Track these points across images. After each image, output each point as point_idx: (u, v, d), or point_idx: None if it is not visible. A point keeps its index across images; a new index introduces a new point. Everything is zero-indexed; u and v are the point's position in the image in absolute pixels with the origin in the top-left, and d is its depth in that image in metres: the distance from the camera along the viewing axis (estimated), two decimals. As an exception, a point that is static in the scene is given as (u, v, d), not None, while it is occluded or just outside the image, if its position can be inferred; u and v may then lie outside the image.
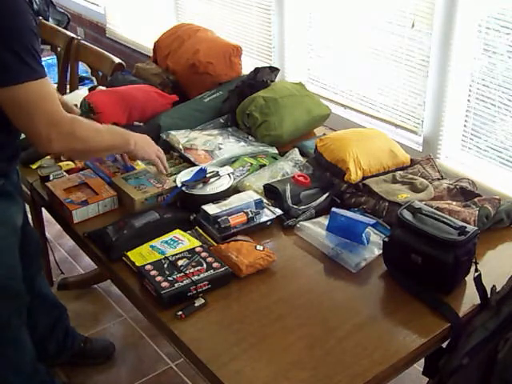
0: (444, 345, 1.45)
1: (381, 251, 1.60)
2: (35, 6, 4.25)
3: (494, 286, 1.46)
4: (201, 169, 1.84)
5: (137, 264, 1.54)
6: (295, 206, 1.77)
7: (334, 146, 1.88)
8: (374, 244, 1.64)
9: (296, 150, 2.05)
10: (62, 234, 1.92)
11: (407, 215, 1.53)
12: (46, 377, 1.95)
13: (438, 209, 1.62)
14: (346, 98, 2.98)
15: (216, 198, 1.75)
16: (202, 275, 1.49)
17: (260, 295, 1.50)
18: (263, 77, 2.30)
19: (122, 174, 1.88)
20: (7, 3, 1.39)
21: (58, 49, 3.08)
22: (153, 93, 2.26)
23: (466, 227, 1.47)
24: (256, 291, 1.51)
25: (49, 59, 3.84)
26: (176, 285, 1.45)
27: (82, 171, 1.91)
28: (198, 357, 1.32)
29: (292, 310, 1.45)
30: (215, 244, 1.63)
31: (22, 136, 1.62)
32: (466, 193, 1.77)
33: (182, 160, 2.00)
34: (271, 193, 1.81)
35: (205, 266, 1.52)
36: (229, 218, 1.66)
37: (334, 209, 1.69)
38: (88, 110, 2.07)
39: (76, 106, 2.13)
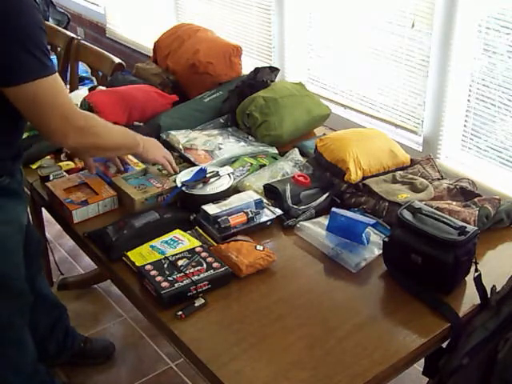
0: (444, 345, 1.45)
1: (381, 251, 1.60)
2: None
3: (494, 285, 1.46)
4: (201, 169, 1.84)
5: (137, 264, 1.54)
6: (295, 206, 1.77)
7: (334, 146, 1.88)
8: (374, 244, 1.64)
9: (296, 150, 2.05)
10: (62, 234, 1.92)
11: (407, 215, 1.53)
12: (46, 377, 1.95)
13: (437, 209, 1.62)
14: (346, 98, 2.98)
15: (216, 197, 1.75)
16: (202, 275, 1.49)
17: (260, 295, 1.50)
18: (263, 77, 2.30)
19: (122, 174, 1.88)
20: (14, 1, 1.39)
21: (58, 49, 3.08)
22: (153, 93, 2.26)
23: (465, 227, 1.47)
24: (256, 291, 1.51)
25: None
26: (176, 285, 1.45)
27: (81, 171, 1.91)
28: (198, 357, 1.32)
29: (292, 310, 1.45)
30: (215, 244, 1.63)
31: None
32: (466, 193, 1.77)
33: (182, 160, 2.00)
34: (271, 193, 1.81)
35: (205, 265, 1.52)
36: (229, 217, 1.66)
37: (333, 209, 1.69)
38: (88, 109, 2.06)
39: (76, 105, 2.13)
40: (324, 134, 2.10)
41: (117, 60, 2.76)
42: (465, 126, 2.50)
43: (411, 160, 1.95)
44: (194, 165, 1.93)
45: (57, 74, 1.48)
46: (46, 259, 2.53)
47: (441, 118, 2.53)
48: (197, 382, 2.23)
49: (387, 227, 1.68)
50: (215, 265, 1.52)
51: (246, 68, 2.48)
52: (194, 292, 1.46)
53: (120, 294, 1.67)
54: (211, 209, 1.69)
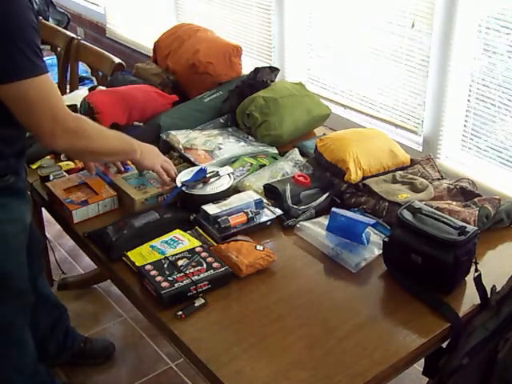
0: (444, 345, 1.45)
1: (381, 251, 1.60)
2: (35, 6, 4.25)
3: (494, 285, 1.46)
4: (201, 169, 1.84)
5: (137, 264, 1.54)
6: (295, 206, 1.77)
7: (334, 146, 1.88)
8: (374, 244, 1.64)
9: (296, 150, 2.05)
10: (62, 233, 1.92)
11: (407, 215, 1.53)
12: (47, 377, 1.95)
13: (438, 209, 1.62)
14: (346, 98, 2.98)
15: (216, 197, 1.75)
16: (202, 275, 1.49)
17: (260, 295, 1.50)
18: (263, 77, 2.30)
19: (122, 174, 1.88)
20: (6, 1, 1.39)
21: (58, 49, 3.08)
22: (153, 93, 2.26)
23: (465, 227, 1.47)
24: (256, 291, 1.51)
25: (49, 59, 3.82)
26: (176, 285, 1.45)
27: (82, 171, 1.91)
28: (198, 357, 1.32)
29: (292, 310, 1.45)
30: (215, 244, 1.63)
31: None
32: (466, 193, 1.76)
33: (182, 160, 2.00)
34: (271, 193, 1.81)
35: (205, 265, 1.52)
36: (229, 217, 1.66)
37: (333, 209, 1.69)
38: (88, 110, 2.06)
39: (76, 106, 2.13)
40: (324, 134, 2.10)
41: (117, 60, 2.76)
42: (465, 125, 2.50)
43: (411, 160, 1.95)
44: (194, 165, 1.93)
45: (48, 74, 1.47)
46: (46, 259, 2.53)
47: (441, 118, 2.53)
48: (197, 382, 2.23)
49: (387, 227, 1.68)
50: (215, 265, 1.52)
51: (246, 68, 2.48)
52: (194, 292, 1.46)
53: (120, 294, 1.67)
54: (211, 209, 1.69)
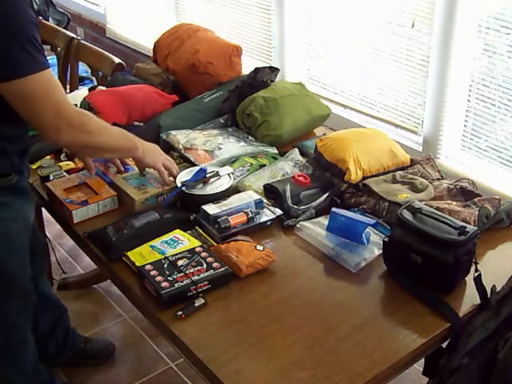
0: (444, 345, 1.45)
1: (381, 251, 1.60)
2: (35, 6, 4.25)
3: (494, 285, 1.46)
4: (201, 169, 1.84)
5: (137, 264, 1.54)
6: (295, 206, 1.77)
7: (334, 146, 1.88)
8: (374, 244, 1.64)
9: (296, 150, 2.05)
10: (62, 233, 1.92)
11: (407, 215, 1.53)
12: (47, 377, 1.95)
13: (438, 209, 1.62)
14: (346, 98, 2.98)
15: (216, 197, 1.75)
16: (202, 275, 1.49)
17: (260, 295, 1.50)
18: (263, 77, 2.30)
19: (122, 174, 1.88)
20: None
21: (58, 49, 3.08)
22: (153, 93, 2.26)
23: (465, 227, 1.47)
24: (256, 291, 1.51)
25: (49, 59, 3.83)
26: (176, 285, 1.45)
27: (81, 171, 1.91)
28: (198, 357, 1.32)
29: (292, 310, 1.45)
30: (215, 244, 1.63)
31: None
32: (466, 193, 1.77)
33: (182, 160, 2.00)
34: (271, 193, 1.81)
35: (205, 265, 1.52)
36: (229, 218, 1.66)
37: (333, 209, 1.69)
38: (88, 110, 2.06)
39: (76, 105, 2.13)
40: (324, 134, 2.10)
41: (117, 60, 2.76)
42: (465, 125, 2.50)
43: (411, 160, 1.95)
44: (194, 165, 1.93)
45: (50, 69, 1.47)
46: (46, 259, 2.53)
47: (441, 117, 2.54)
48: (197, 382, 2.23)
49: (387, 227, 1.68)
50: (215, 265, 1.52)
51: (246, 68, 2.48)
52: (194, 292, 1.46)
53: (120, 294, 1.67)
54: (211, 209, 1.69)
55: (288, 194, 1.78)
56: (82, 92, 2.35)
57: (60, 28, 3.28)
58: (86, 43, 3.03)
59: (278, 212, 1.75)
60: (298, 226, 1.72)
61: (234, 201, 1.74)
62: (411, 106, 2.68)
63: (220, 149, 2.01)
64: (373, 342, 1.36)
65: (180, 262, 1.53)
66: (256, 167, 1.95)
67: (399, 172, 1.86)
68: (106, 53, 2.86)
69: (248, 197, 1.76)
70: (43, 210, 2.20)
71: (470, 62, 2.40)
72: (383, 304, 1.51)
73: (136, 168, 1.88)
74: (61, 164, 1.96)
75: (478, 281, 1.46)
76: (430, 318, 1.42)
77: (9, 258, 1.59)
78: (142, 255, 1.57)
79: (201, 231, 1.69)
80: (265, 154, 2.04)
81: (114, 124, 2.05)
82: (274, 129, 2.11)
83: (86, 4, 4.87)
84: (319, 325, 1.41)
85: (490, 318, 1.44)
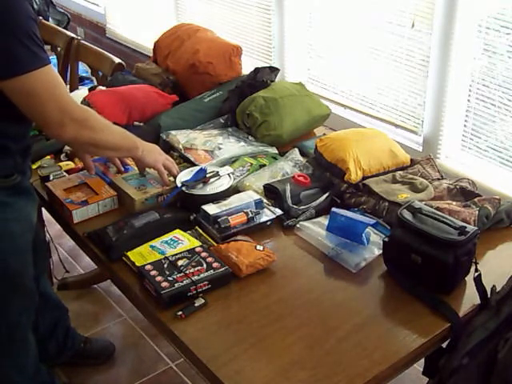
0: (444, 345, 1.45)
1: (381, 251, 1.60)
2: (35, 6, 4.25)
3: (494, 285, 1.46)
4: (201, 169, 1.84)
5: (137, 264, 1.54)
6: (295, 206, 1.77)
7: (334, 146, 1.88)
8: (374, 244, 1.64)
9: (296, 150, 2.05)
10: (62, 233, 1.92)
11: (407, 215, 1.53)
12: (47, 377, 1.95)
13: (438, 209, 1.62)
14: (346, 98, 2.98)
15: (216, 197, 1.75)
16: (202, 275, 1.49)
17: (260, 295, 1.50)
18: (263, 77, 2.30)
19: (122, 174, 1.88)
20: None
21: (58, 49, 3.08)
22: (153, 93, 2.26)
23: (465, 227, 1.47)
24: (256, 291, 1.51)
25: (49, 59, 3.84)
26: (176, 285, 1.45)
27: (81, 171, 1.91)
28: (198, 357, 1.32)
29: (292, 310, 1.45)
30: (215, 244, 1.63)
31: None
32: (466, 193, 1.77)
33: (181, 160, 2.00)
34: (271, 193, 1.81)
35: (205, 265, 1.52)
36: (229, 217, 1.66)
37: (333, 209, 1.69)
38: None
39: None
40: (324, 134, 2.10)
41: (117, 60, 2.76)
42: (465, 125, 2.50)
43: (411, 160, 1.95)
44: (194, 165, 1.93)
45: (51, 65, 1.47)
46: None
47: (441, 117, 2.54)
48: (197, 382, 2.23)
49: (387, 227, 1.68)
50: (215, 265, 1.52)
51: (246, 68, 2.48)
52: (194, 292, 1.46)
53: (120, 294, 1.67)
54: (211, 209, 1.69)
55: (288, 193, 1.78)
56: (82, 92, 2.35)
57: (60, 28, 3.27)
58: (85, 43, 3.02)
59: (278, 212, 1.75)
60: (298, 226, 1.72)
61: (234, 201, 1.74)
62: (411, 106, 2.68)
63: (220, 149, 2.01)
64: (373, 342, 1.36)
65: (180, 262, 1.53)
66: (256, 167, 1.96)
67: (399, 172, 1.86)
68: (105, 53, 2.86)
69: (248, 197, 1.76)
70: (43, 209, 2.20)
71: (470, 62, 2.40)
72: (383, 304, 1.51)
73: (136, 168, 1.88)
74: (61, 164, 1.96)
75: (478, 281, 1.46)
76: (429, 317, 1.42)
77: (12, 258, 1.59)
78: (142, 255, 1.57)
79: (201, 231, 1.69)
80: (265, 153, 2.04)
81: (114, 124, 2.05)
82: (274, 129, 2.11)
83: (86, 4, 4.87)
84: (319, 325, 1.41)
85: (490, 318, 1.44)
